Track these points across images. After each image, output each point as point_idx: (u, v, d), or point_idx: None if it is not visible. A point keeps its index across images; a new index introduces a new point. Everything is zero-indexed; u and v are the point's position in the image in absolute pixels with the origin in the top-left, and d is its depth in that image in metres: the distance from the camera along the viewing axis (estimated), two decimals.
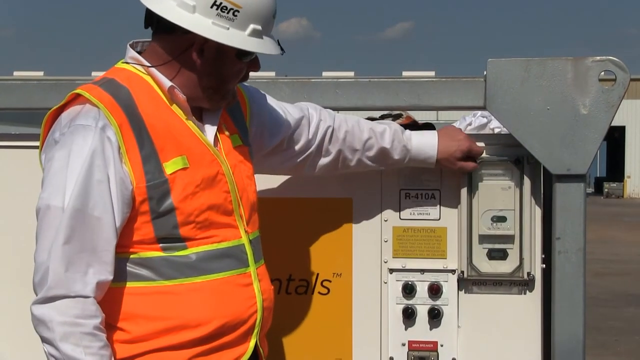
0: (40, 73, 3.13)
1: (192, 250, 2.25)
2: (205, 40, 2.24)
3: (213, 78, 2.31)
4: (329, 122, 2.74)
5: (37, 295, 2.14)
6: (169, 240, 2.23)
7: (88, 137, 2.16)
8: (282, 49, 2.34)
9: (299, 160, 2.71)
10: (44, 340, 2.13)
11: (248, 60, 2.33)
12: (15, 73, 3.19)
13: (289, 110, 2.69)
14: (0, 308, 3.02)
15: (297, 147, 2.69)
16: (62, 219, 2.12)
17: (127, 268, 2.23)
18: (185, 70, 2.30)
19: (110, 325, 2.22)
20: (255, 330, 2.36)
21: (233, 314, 2.30)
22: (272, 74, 3.03)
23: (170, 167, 2.22)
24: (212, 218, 2.28)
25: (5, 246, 2.98)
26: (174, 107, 2.30)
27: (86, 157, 2.15)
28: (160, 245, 2.23)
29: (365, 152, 2.75)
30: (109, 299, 2.21)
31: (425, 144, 2.80)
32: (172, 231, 2.23)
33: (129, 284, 2.23)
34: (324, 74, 3.00)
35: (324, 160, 2.74)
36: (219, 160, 2.32)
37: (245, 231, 2.37)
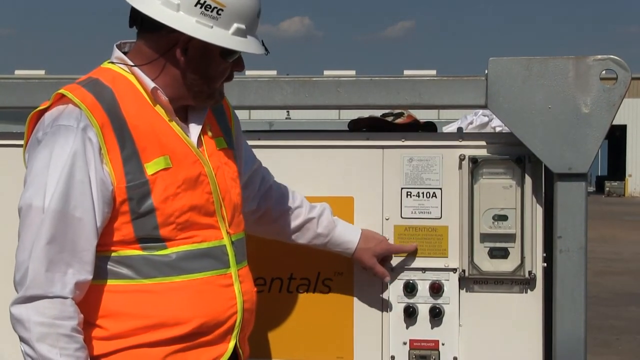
0: (42, 72, 3.13)
1: (172, 250, 2.26)
2: (190, 39, 2.25)
3: (197, 77, 2.32)
4: (269, 177, 2.79)
5: (17, 294, 2.16)
6: (149, 240, 2.24)
7: (69, 137, 2.17)
8: (266, 49, 2.35)
9: (245, 209, 2.69)
10: (21, 339, 2.15)
11: (232, 60, 2.33)
12: (17, 72, 3.19)
13: (250, 147, 2.74)
14: (1, 307, 3.02)
15: (251, 190, 2.72)
16: (43, 219, 2.14)
17: (107, 266, 2.23)
18: (170, 69, 2.30)
19: (88, 323, 2.23)
20: (235, 332, 2.36)
21: (212, 314, 2.30)
22: (274, 72, 3.03)
23: (151, 167, 2.23)
24: (193, 219, 2.28)
25: (8, 245, 2.98)
26: (157, 108, 2.30)
27: (67, 157, 2.16)
28: (140, 244, 2.24)
29: (292, 219, 2.78)
30: (88, 297, 2.22)
31: (350, 228, 2.84)
32: (152, 232, 2.24)
33: (108, 282, 2.24)
34: (325, 72, 3.00)
35: (252, 216, 2.74)
36: (202, 161, 2.33)
37: (227, 232, 2.37)
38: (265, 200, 2.76)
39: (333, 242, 2.81)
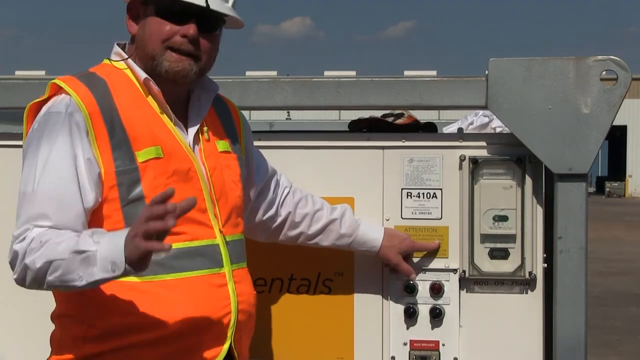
0: (42, 72, 3.14)
1: None
2: (140, 4, 2.33)
3: (147, 41, 2.33)
4: (287, 183, 2.79)
5: (12, 268, 2.19)
6: None
7: (58, 123, 2.23)
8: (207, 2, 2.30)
9: (263, 216, 2.72)
10: (27, 269, 2.14)
11: (178, 22, 2.31)
12: (17, 72, 3.19)
13: (264, 156, 2.74)
14: (1, 308, 3.02)
15: (267, 199, 2.71)
16: (33, 200, 2.19)
17: None
18: (138, 46, 2.37)
19: (79, 321, 2.25)
20: (229, 332, 2.33)
21: (204, 313, 2.28)
22: (274, 73, 3.03)
23: (142, 155, 2.24)
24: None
25: (5, 245, 2.97)
26: (150, 100, 2.33)
27: (54, 141, 2.21)
28: None
29: (314, 221, 2.77)
30: (79, 295, 2.23)
31: (373, 226, 2.84)
32: None
33: None
34: (326, 73, 3.00)
35: (273, 223, 2.75)
36: (191, 158, 2.33)
37: (221, 231, 2.36)
38: (284, 206, 2.75)
39: (357, 241, 2.81)
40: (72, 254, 2.06)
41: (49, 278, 2.10)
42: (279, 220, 2.75)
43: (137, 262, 2.00)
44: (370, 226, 2.84)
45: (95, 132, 2.22)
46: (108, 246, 2.04)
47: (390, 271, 2.89)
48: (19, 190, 2.24)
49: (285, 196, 2.76)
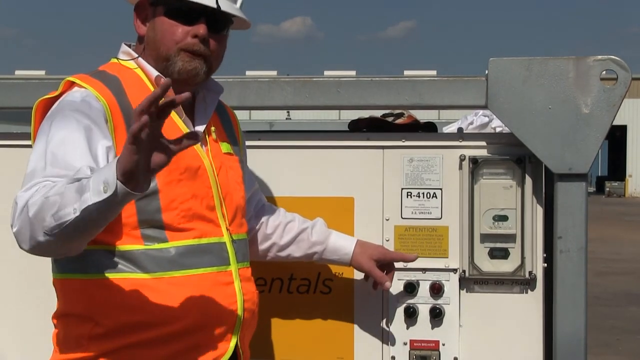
0: (42, 72, 3.14)
1: (172, 244, 2.25)
2: (150, 5, 2.34)
3: (158, 43, 2.35)
4: (262, 196, 2.78)
5: (12, 221, 2.09)
6: (151, 225, 2.22)
7: (71, 108, 2.21)
8: (218, 4, 2.32)
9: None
10: (29, 210, 2.04)
11: (188, 22, 2.33)
12: (17, 72, 3.19)
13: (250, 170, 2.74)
14: (0, 308, 3.02)
15: (250, 209, 2.70)
16: (43, 170, 2.12)
17: (106, 260, 2.22)
18: (148, 47, 2.37)
19: (86, 318, 2.23)
20: (236, 330, 2.34)
21: (212, 311, 2.28)
22: (274, 73, 3.03)
23: None
24: (195, 208, 2.28)
25: (7, 246, 2.97)
26: None
27: (67, 122, 2.18)
28: (142, 231, 2.21)
29: (285, 232, 2.74)
30: (86, 291, 2.23)
31: (345, 236, 2.81)
32: (154, 215, 2.23)
33: (107, 276, 2.22)
34: (326, 73, 3.00)
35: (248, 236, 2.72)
36: (201, 156, 2.34)
37: (227, 230, 2.37)
38: (257, 218, 2.74)
39: (329, 249, 2.76)
40: (69, 184, 2.00)
41: (47, 220, 1.99)
42: (252, 233, 2.71)
43: (129, 175, 1.90)
44: (342, 235, 2.81)
45: (114, 123, 2.23)
46: (101, 170, 1.99)
47: (364, 278, 2.85)
48: (27, 168, 2.16)
49: (259, 208, 2.76)
